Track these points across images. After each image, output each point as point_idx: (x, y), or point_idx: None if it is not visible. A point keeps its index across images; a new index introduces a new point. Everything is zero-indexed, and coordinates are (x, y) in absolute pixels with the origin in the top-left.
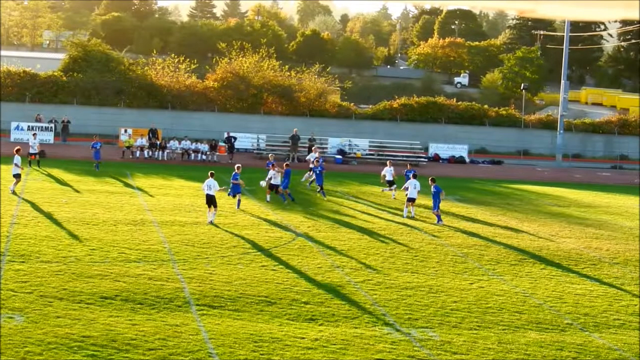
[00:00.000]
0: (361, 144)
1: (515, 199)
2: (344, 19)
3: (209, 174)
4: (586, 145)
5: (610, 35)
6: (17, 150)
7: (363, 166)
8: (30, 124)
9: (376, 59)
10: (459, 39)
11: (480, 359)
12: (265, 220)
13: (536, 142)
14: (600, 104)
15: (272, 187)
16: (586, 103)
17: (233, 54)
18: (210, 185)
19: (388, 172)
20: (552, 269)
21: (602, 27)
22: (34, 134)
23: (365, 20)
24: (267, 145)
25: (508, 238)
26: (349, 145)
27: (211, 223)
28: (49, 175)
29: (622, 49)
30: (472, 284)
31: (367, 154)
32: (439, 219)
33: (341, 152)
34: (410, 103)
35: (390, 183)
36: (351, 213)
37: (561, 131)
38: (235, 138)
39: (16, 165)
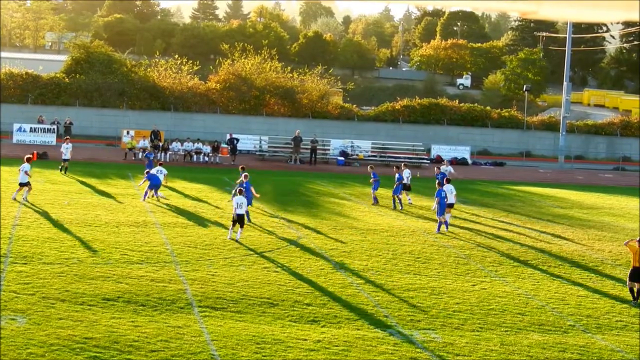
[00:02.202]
0: (363, 146)
1: (518, 201)
2: (346, 20)
3: (238, 191)
4: (588, 147)
5: (613, 37)
6: (28, 159)
7: (365, 168)
8: (33, 126)
9: (378, 60)
10: (461, 41)
11: None
12: (268, 221)
13: (538, 144)
14: (602, 106)
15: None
16: (588, 104)
17: (235, 55)
18: (241, 204)
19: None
20: (555, 271)
21: (605, 28)
22: (67, 139)
23: (367, 22)
24: (269, 147)
25: (510, 240)
26: (351, 146)
27: (237, 240)
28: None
29: (624, 51)
30: (474, 285)
31: (369, 156)
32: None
33: (343, 153)
34: (413, 105)
35: None
36: (353, 214)
37: (563, 133)
38: (237, 140)
39: (25, 172)
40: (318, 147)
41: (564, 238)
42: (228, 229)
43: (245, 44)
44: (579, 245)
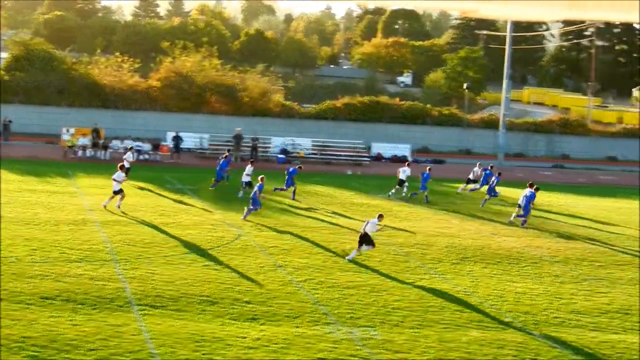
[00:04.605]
0: (304, 143)
1: (457, 198)
2: (288, 18)
3: (378, 215)
4: (528, 145)
5: (552, 36)
6: (121, 167)
7: (306, 165)
8: None
9: (320, 58)
10: (402, 39)
11: (421, 358)
12: (208, 219)
13: (478, 142)
14: (542, 104)
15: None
16: (528, 102)
17: (176, 53)
18: (369, 224)
19: (402, 172)
20: (494, 268)
21: (545, 27)
22: (131, 148)
23: (309, 20)
24: (210, 144)
25: (450, 237)
26: (292, 144)
27: (351, 260)
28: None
29: (563, 49)
30: (413, 282)
31: (310, 154)
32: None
33: (284, 151)
34: (354, 102)
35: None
36: (294, 212)
37: (503, 130)
38: (182, 138)
39: (116, 181)
40: (259, 144)
41: (503, 235)
42: (168, 229)
43: (186, 42)
44: (517, 242)
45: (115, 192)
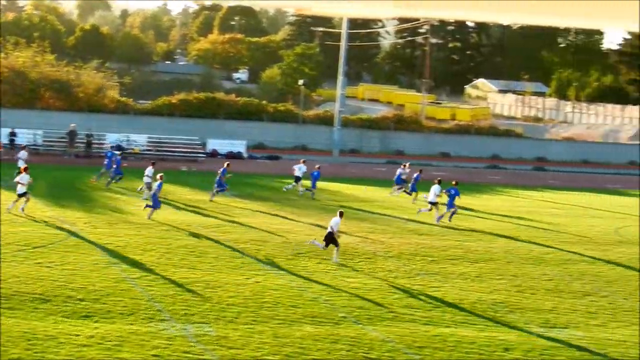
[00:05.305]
0: (139, 140)
1: (293, 194)
2: (124, 14)
3: (338, 213)
4: (362, 141)
5: (388, 33)
6: (26, 169)
7: (140, 162)
8: None
9: (156, 54)
10: (238, 35)
11: (255, 354)
12: (41, 216)
13: (314, 138)
14: (377, 100)
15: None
16: (363, 99)
17: (8, 48)
18: (332, 224)
19: (298, 169)
20: (328, 263)
21: (380, 24)
22: (25, 147)
23: (145, 16)
24: (44, 141)
25: (285, 233)
26: (127, 140)
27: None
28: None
29: (398, 47)
30: (248, 279)
31: (145, 150)
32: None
33: (119, 147)
34: (189, 99)
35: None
36: (128, 209)
37: (338, 127)
38: (16, 134)
39: (21, 184)
40: (93, 141)
41: (338, 230)
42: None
43: (17, 37)
44: (352, 238)
45: (20, 195)
